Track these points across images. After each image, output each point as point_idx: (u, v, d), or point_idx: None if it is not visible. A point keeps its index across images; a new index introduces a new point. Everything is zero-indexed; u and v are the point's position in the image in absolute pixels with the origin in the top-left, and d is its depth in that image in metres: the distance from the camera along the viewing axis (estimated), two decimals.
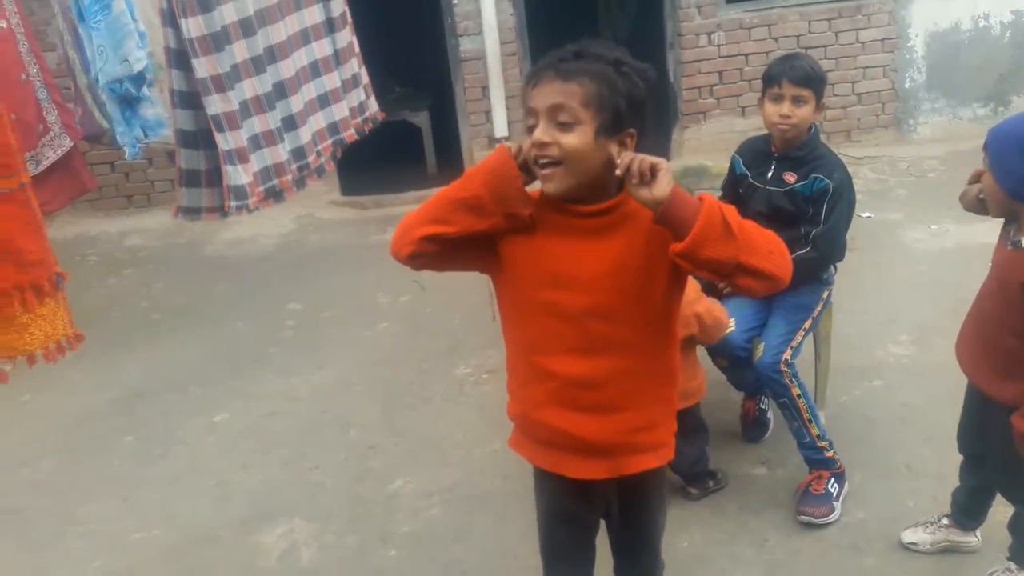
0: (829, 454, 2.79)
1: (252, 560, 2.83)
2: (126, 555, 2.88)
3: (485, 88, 6.32)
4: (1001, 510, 2.46)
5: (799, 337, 2.82)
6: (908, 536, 2.58)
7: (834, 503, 2.75)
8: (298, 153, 3.70)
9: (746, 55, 6.37)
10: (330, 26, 3.94)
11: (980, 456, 2.37)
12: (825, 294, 2.94)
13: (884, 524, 2.69)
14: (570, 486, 1.80)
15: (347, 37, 4.11)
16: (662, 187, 1.46)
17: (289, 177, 3.59)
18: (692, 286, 2.55)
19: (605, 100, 1.53)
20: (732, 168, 3.12)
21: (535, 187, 1.65)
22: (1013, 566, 2.36)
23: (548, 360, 1.69)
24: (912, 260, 4.69)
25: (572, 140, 1.53)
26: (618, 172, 1.52)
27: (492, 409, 3.57)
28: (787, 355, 2.75)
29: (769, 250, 1.50)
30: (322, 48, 3.90)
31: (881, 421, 3.21)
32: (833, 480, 2.78)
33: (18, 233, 2.31)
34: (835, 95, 6.44)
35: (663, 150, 6.76)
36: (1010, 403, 2.06)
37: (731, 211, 1.48)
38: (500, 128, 6.34)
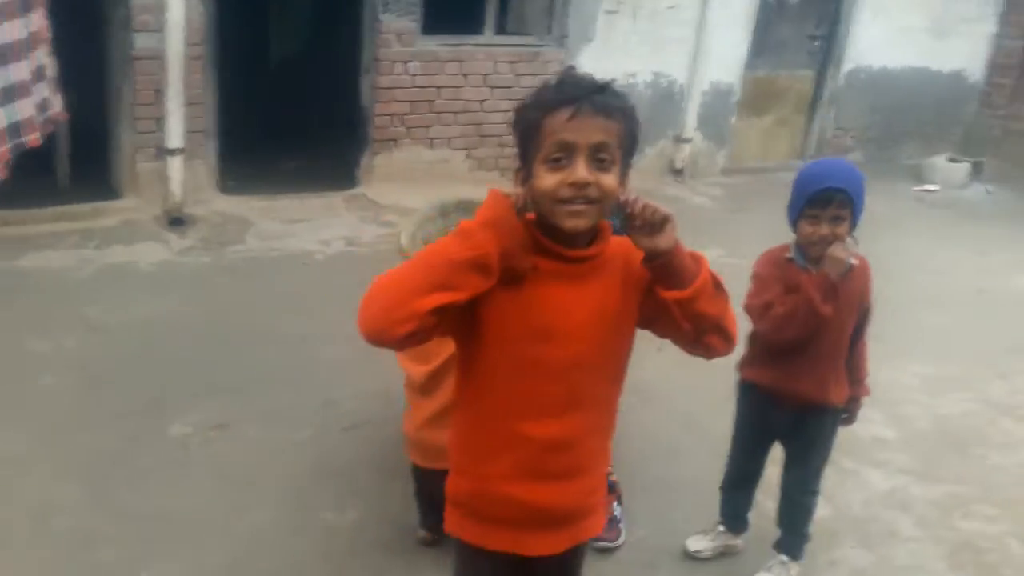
0: (613, 478, 2.86)
1: None
2: None
3: (159, 92, 5.51)
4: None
5: None
6: (692, 544, 2.83)
7: (620, 525, 2.85)
8: None
9: (438, 87, 6.45)
10: (25, 4, 3.14)
11: (754, 473, 2.77)
12: None
13: (663, 538, 2.88)
14: (516, 567, 1.65)
15: (39, 20, 3.33)
16: (670, 238, 1.43)
17: None
18: None
19: (631, 140, 1.47)
20: None
21: None
22: (785, 557, 2.71)
23: (524, 424, 1.54)
24: None
25: (610, 181, 1.42)
26: (634, 219, 1.43)
27: (236, 472, 3.10)
28: None
29: (734, 317, 1.54)
30: (14, 30, 3.09)
31: (623, 438, 3.35)
32: (616, 503, 2.88)
33: None
34: (512, 135, 6.83)
35: (351, 175, 6.57)
36: (842, 403, 2.55)
37: (716, 274, 1.48)
38: (174, 138, 5.56)
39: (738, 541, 2.85)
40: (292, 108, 8.09)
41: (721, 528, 2.84)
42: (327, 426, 3.41)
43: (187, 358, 3.88)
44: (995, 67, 8.78)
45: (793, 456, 2.66)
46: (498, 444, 1.57)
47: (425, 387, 2.37)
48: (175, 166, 5.63)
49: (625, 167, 1.47)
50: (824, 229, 2.30)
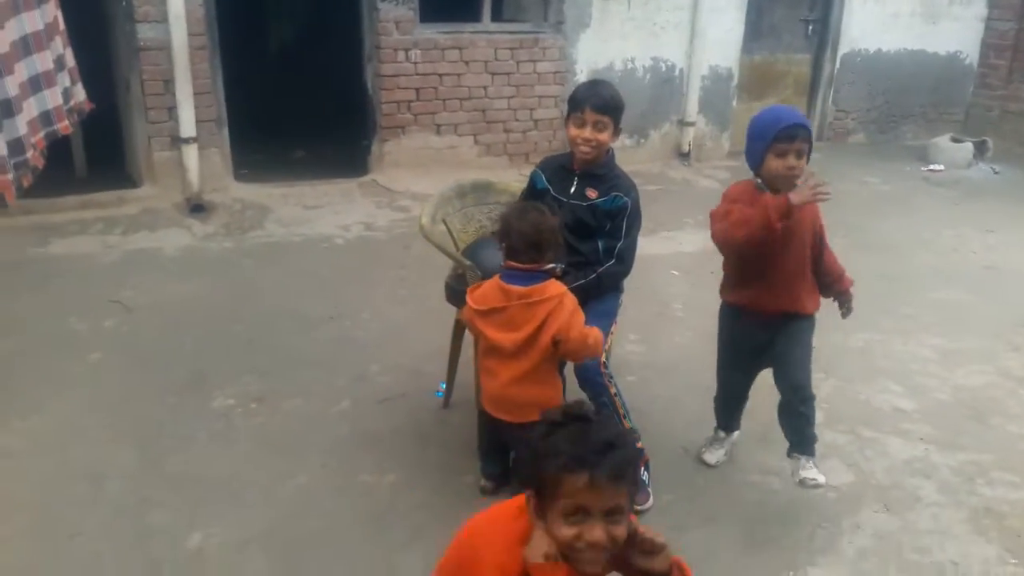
0: (640, 445, 2.96)
1: None
2: None
3: (169, 82, 5.63)
4: None
5: (610, 340, 3.02)
6: (709, 458, 3.20)
7: (648, 490, 2.96)
8: (15, 147, 2.95)
9: (440, 75, 6.56)
10: None
11: (742, 392, 3.13)
12: (622, 299, 3.18)
13: (689, 502, 2.97)
14: None
15: (52, 11, 3.42)
16: (666, 561, 1.62)
17: (11, 176, 2.84)
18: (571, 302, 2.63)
19: (634, 491, 1.61)
20: (533, 183, 3.22)
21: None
22: (799, 456, 2.86)
23: None
24: None
25: (621, 532, 1.55)
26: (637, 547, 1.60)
27: (278, 441, 3.22)
28: (603, 358, 2.92)
29: None
30: (33, 20, 3.17)
31: (648, 412, 3.43)
32: (643, 468, 2.99)
33: None
34: (516, 120, 6.95)
35: (362, 162, 6.67)
36: (816, 310, 2.87)
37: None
38: (187, 127, 5.69)
39: (733, 436, 3.24)
40: (295, 96, 8.18)
41: (722, 434, 3.21)
42: (362, 399, 3.52)
43: (221, 337, 4.00)
44: (988, 49, 8.91)
45: (778, 360, 2.89)
46: None
47: (515, 352, 2.62)
48: (191, 155, 5.75)
49: (630, 511, 1.58)
50: (792, 160, 2.59)
